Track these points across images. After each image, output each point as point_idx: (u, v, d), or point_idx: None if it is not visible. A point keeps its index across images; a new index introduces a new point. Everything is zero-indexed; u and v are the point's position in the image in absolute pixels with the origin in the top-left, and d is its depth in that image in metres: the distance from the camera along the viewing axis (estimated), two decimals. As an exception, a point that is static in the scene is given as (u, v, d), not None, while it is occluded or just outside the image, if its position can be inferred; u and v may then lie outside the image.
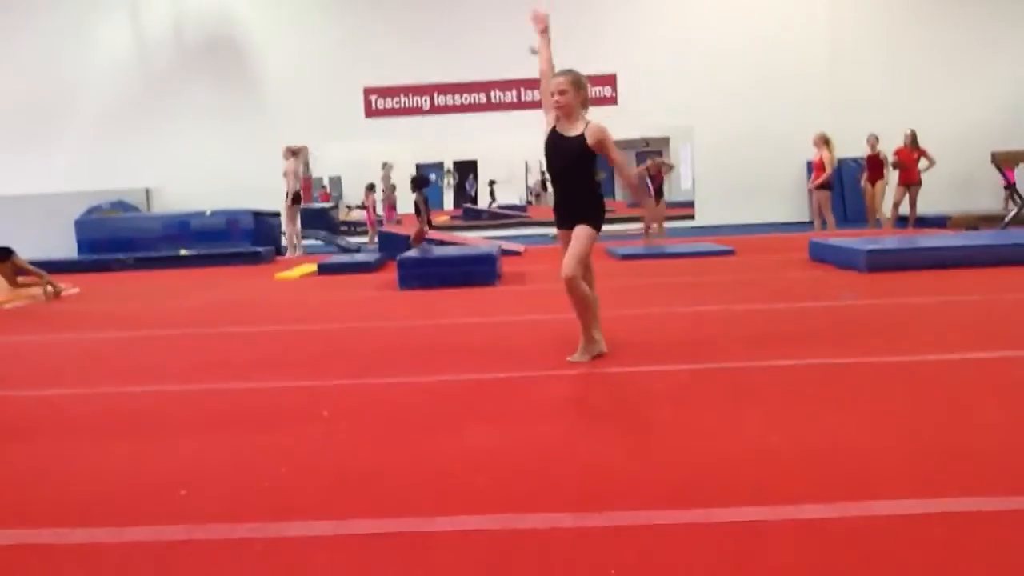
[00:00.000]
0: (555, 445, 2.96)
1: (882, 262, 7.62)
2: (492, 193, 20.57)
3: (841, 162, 16.14)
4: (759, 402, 3.43)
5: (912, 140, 13.47)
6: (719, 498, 2.35)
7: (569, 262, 4.11)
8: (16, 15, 17.31)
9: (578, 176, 4.29)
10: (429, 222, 11.66)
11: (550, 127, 4.38)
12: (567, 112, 4.25)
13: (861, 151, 15.46)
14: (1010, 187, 13.19)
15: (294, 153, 13.21)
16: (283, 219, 13.32)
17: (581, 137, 4.19)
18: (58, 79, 17.37)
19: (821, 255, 8.79)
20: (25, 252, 14.93)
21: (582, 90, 4.31)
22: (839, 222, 14.97)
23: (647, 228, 13.19)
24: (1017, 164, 13.05)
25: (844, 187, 16.28)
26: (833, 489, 2.39)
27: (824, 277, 7.72)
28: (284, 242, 14.19)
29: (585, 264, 4.23)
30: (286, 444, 3.12)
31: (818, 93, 16.88)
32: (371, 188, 16.33)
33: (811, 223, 13.11)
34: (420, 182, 12.39)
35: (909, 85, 16.66)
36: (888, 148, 13.50)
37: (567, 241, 4.26)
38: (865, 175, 13.80)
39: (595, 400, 3.62)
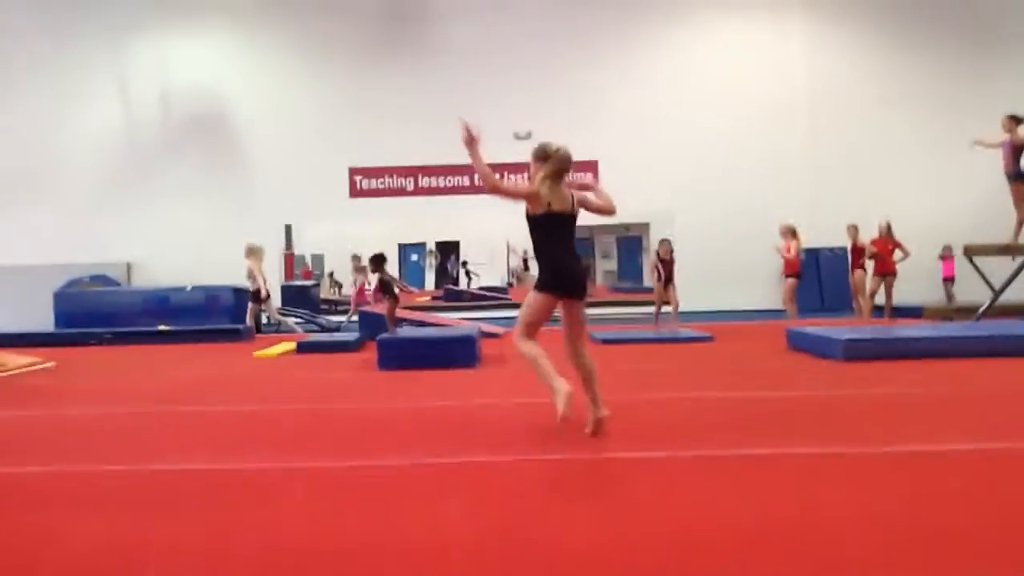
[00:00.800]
0: (531, 527, 2.94)
1: (858, 351, 7.69)
2: (468, 273, 20.72)
3: (818, 252, 16.42)
4: (737, 487, 3.43)
5: (887, 231, 13.73)
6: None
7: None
8: (4, 86, 17.51)
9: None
10: (396, 298, 11.65)
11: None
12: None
13: (839, 240, 15.77)
14: (947, 280, 14.03)
15: (252, 252, 13.07)
16: (247, 313, 13.06)
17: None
18: (43, 151, 17.51)
19: (798, 343, 8.86)
20: (3, 324, 14.89)
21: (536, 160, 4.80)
22: (817, 311, 15.15)
23: (657, 313, 13.13)
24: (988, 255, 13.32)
25: (822, 275, 16.52)
26: (808, 569, 2.39)
27: (801, 365, 7.78)
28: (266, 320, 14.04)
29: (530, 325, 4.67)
30: (260, 524, 3.09)
31: (797, 182, 17.27)
32: (362, 269, 16.13)
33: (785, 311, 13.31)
34: (380, 260, 12.39)
35: (887, 175, 17.10)
36: (865, 237, 13.74)
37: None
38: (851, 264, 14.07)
39: (571, 483, 3.61)
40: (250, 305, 13.09)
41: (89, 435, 5.18)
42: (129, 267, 17.43)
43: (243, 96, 17.74)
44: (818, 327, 9.53)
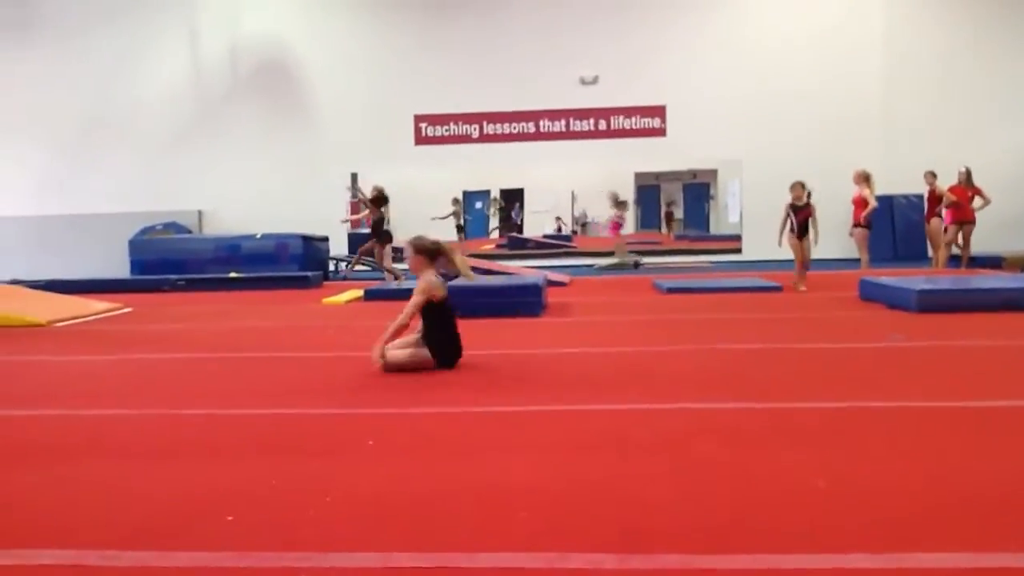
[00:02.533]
0: (597, 481, 2.94)
1: (934, 303, 7.49)
2: (585, 224, 20.71)
3: (892, 199, 15.95)
4: (805, 443, 3.38)
5: (966, 178, 13.29)
6: (765, 543, 2.32)
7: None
8: (77, 39, 17.82)
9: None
10: (389, 238, 11.56)
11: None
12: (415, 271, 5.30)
13: (915, 187, 15.28)
14: None
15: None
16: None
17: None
18: (117, 102, 17.83)
19: (871, 294, 8.66)
20: (80, 270, 15.38)
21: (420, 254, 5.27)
22: (891, 260, 14.76)
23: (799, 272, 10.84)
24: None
25: (895, 224, 16.07)
26: (882, 538, 2.35)
27: (873, 317, 7.61)
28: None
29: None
30: (331, 472, 3.14)
31: (871, 127, 16.72)
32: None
33: (859, 260, 12.95)
34: (379, 200, 12.28)
35: (965, 121, 16.44)
36: (944, 184, 13.31)
37: None
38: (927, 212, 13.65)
39: (638, 435, 3.59)
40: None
41: (164, 380, 5.33)
42: (200, 215, 17.76)
43: (310, 44, 17.77)
44: (892, 277, 9.30)
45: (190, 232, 16.87)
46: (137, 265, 15.01)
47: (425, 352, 5.15)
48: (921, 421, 3.74)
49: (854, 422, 3.74)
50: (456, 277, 5.74)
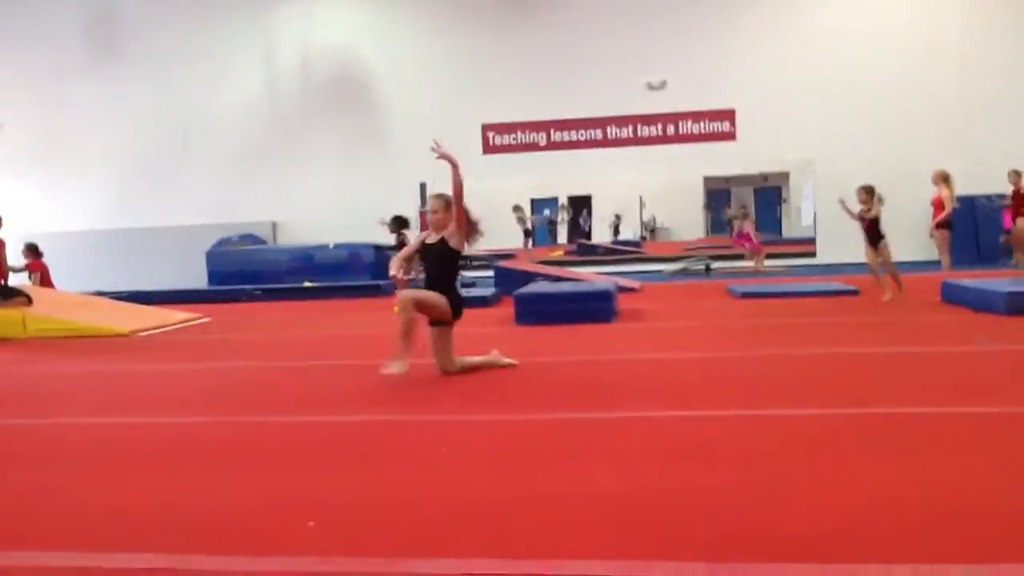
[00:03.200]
0: (681, 489, 2.89)
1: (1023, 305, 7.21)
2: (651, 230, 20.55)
3: (974, 199, 15.46)
4: (895, 451, 3.27)
5: (1051, 176, 12.82)
6: (857, 553, 2.24)
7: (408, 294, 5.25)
8: (158, 62, 18.40)
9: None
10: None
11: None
12: (440, 227, 5.41)
13: (995, 187, 14.79)
14: None
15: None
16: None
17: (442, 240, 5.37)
18: (196, 119, 18.33)
19: (954, 296, 8.39)
20: (160, 282, 15.80)
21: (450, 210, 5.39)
22: (973, 263, 14.29)
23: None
24: None
25: (978, 225, 15.56)
26: (979, 550, 2.25)
27: (959, 320, 7.36)
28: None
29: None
30: (409, 478, 3.15)
31: (949, 125, 16.22)
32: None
33: (939, 262, 12.56)
34: (400, 222, 12.49)
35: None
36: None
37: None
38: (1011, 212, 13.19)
39: (721, 443, 3.52)
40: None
41: (242, 388, 5.43)
42: (275, 226, 18.10)
43: (380, 58, 18.01)
44: (976, 279, 8.99)
45: (265, 243, 17.21)
46: (215, 276, 15.36)
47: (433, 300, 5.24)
48: (1015, 427, 3.59)
49: (942, 428, 3.61)
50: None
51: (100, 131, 18.61)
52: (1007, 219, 13.47)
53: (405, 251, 5.64)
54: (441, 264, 5.36)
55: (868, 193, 9.50)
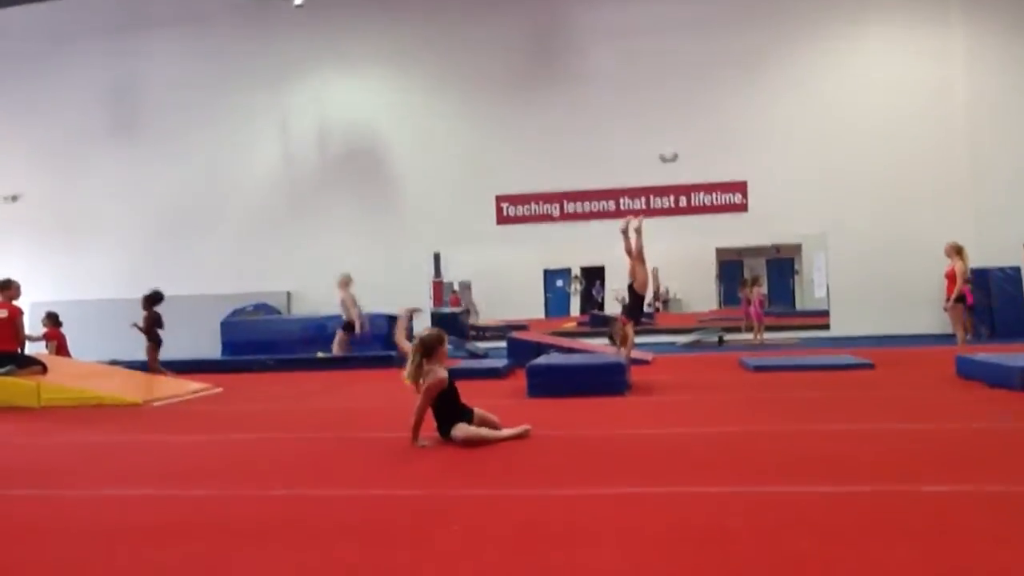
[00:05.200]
0: (692, 570, 2.84)
1: (1039, 380, 7.14)
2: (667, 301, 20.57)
3: (987, 272, 15.44)
4: (909, 533, 3.22)
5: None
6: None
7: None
8: (177, 131, 18.83)
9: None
10: (157, 343, 11.92)
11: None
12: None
13: (1010, 260, 14.78)
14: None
15: (346, 282, 13.69)
16: (336, 343, 13.74)
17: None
18: (210, 190, 18.68)
19: (969, 372, 8.32)
20: (174, 351, 15.85)
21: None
22: (989, 336, 14.20)
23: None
24: None
25: (992, 299, 15.50)
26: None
27: (974, 396, 7.29)
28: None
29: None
30: (418, 558, 3.11)
31: (959, 197, 16.30)
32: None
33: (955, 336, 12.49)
34: (152, 299, 12.52)
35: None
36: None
37: None
38: None
39: (733, 523, 3.48)
40: (340, 334, 13.50)
41: (253, 460, 5.41)
42: (289, 296, 18.24)
43: (393, 131, 18.34)
44: (991, 354, 8.93)
45: (279, 313, 17.31)
46: (229, 346, 15.43)
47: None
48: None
49: (961, 509, 3.55)
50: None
51: (118, 201, 18.98)
52: None
53: (429, 400, 5.60)
54: (457, 393, 5.68)
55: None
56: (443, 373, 5.52)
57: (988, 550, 2.98)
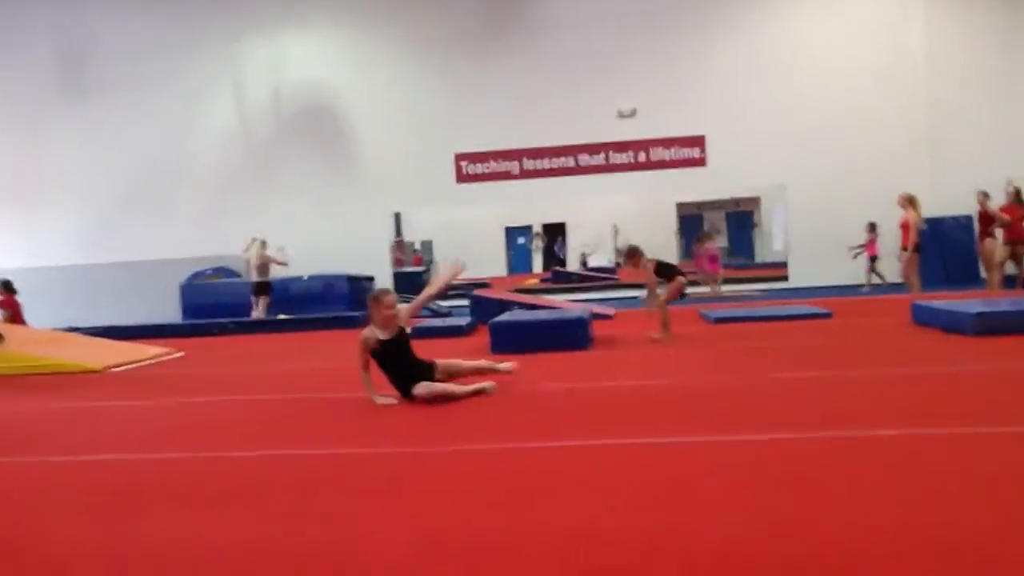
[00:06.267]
0: (655, 518, 2.89)
1: (992, 325, 7.32)
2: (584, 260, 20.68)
3: (942, 221, 15.71)
4: (867, 476, 3.30)
5: (1015, 196, 13.04)
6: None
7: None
8: (133, 94, 18.41)
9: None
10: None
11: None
12: (391, 323, 5.48)
13: (963, 208, 15.04)
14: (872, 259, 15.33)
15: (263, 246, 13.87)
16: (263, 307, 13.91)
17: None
18: (170, 153, 18.35)
19: (925, 318, 8.50)
20: (134, 316, 15.67)
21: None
22: (942, 284, 14.49)
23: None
24: None
25: (944, 247, 15.79)
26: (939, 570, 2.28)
27: (930, 341, 7.46)
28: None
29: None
30: (384, 513, 3.13)
31: (917, 149, 16.53)
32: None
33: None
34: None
35: (1013, 137, 16.15)
36: (995, 204, 13.07)
37: None
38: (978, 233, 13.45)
39: (694, 472, 3.53)
40: (265, 300, 13.61)
41: (216, 423, 5.38)
42: (249, 259, 18.04)
43: (352, 89, 18.10)
44: (946, 300, 9.12)
45: (239, 276, 17.12)
46: (188, 310, 15.27)
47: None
48: (990, 448, 3.64)
49: (922, 452, 3.64)
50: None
51: (71, 164, 18.58)
52: None
53: (361, 361, 5.54)
54: (410, 353, 5.56)
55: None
56: (371, 332, 5.48)
57: (946, 487, 3.06)
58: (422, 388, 5.37)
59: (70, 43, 18.67)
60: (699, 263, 16.78)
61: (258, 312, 13.82)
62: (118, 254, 17.88)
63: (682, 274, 8.69)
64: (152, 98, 18.40)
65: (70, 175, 18.59)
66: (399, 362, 5.52)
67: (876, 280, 15.75)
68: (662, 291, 8.70)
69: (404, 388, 5.47)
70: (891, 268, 14.74)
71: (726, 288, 16.60)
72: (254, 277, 14.17)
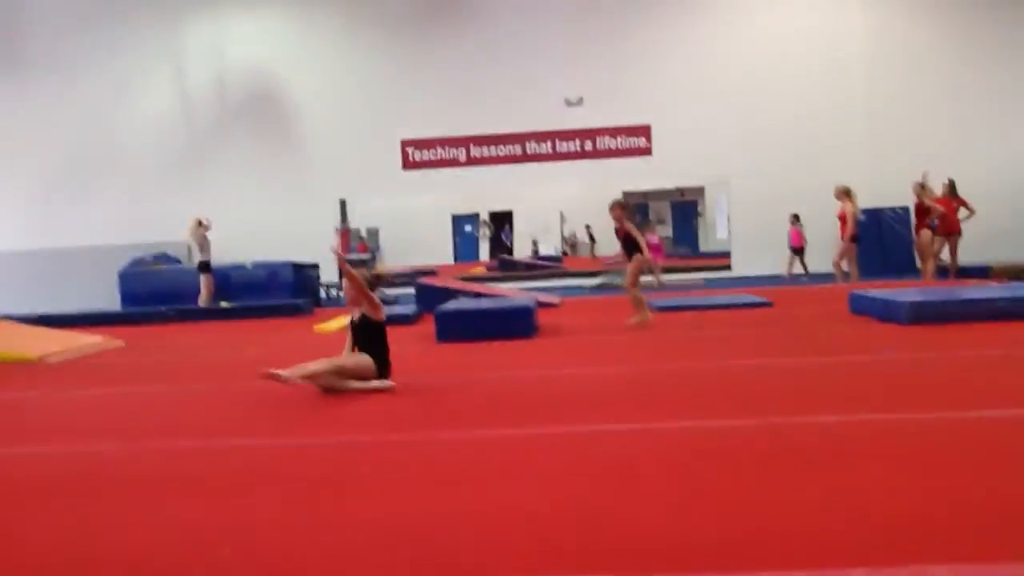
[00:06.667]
0: (597, 505, 2.93)
1: (925, 314, 7.52)
2: (591, 236, 20.73)
3: (879, 212, 16.06)
4: (804, 461, 3.38)
5: (950, 189, 13.38)
6: (766, 562, 2.31)
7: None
8: (64, 74, 17.89)
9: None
10: None
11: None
12: (356, 303, 5.56)
13: (901, 200, 15.39)
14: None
15: (200, 224, 13.67)
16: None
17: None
18: (106, 134, 17.88)
19: (862, 307, 8.69)
20: (71, 304, 15.31)
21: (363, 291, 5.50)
22: (881, 274, 14.82)
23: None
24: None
25: (884, 237, 16.15)
26: (884, 553, 2.34)
27: (866, 330, 7.64)
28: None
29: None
30: (327, 503, 3.12)
31: (856, 140, 16.85)
32: None
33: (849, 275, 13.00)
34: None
35: (951, 131, 16.56)
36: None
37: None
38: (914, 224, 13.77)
39: (638, 458, 3.58)
40: (206, 278, 13.43)
41: (156, 412, 5.30)
42: (190, 245, 17.73)
43: (296, 73, 17.86)
44: (882, 290, 9.34)
45: (180, 263, 16.82)
46: (128, 297, 14.95)
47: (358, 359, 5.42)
48: (918, 434, 3.74)
49: (852, 437, 3.74)
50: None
51: (5, 147, 17.99)
52: None
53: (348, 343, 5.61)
54: (370, 336, 5.48)
55: (621, 208, 9.02)
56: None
57: (872, 469, 3.15)
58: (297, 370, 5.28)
59: (0, 17, 18.10)
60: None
61: (202, 293, 13.53)
62: (54, 240, 17.40)
63: (640, 251, 8.71)
64: (87, 76, 17.88)
65: (1, 158, 18.05)
66: (362, 342, 5.51)
67: (798, 270, 16.09)
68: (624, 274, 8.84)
69: (386, 365, 5.50)
70: (824, 259, 15.03)
71: (671, 277, 16.77)
72: (196, 257, 13.91)
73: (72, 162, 17.86)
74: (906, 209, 15.64)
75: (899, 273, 14.94)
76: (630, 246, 8.74)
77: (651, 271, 16.34)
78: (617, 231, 8.94)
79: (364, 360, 5.38)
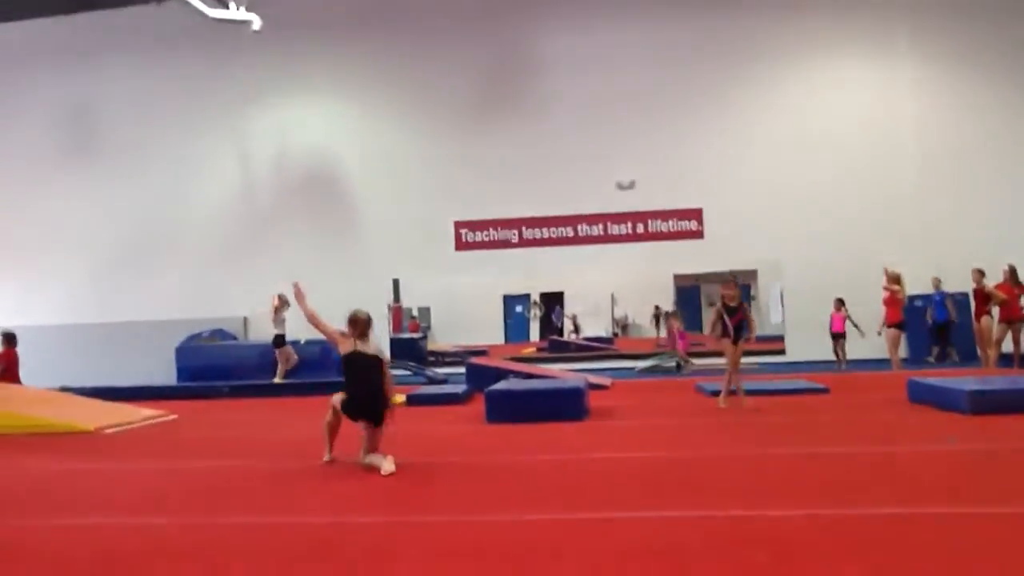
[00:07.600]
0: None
1: (987, 404, 7.30)
2: (575, 325, 20.64)
3: (932, 298, 15.77)
4: (862, 553, 3.27)
5: (1011, 274, 13.12)
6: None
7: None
8: (132, 157, 18.61)
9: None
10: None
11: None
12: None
13: (958, 285, 15.10)
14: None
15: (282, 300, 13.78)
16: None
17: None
18: (170, 213, 18.44)
19: (921, 395, 8.48)
20: (131, 376, 15.61)
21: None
22: (923, 359, 14.48)
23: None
24: None
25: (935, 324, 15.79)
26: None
27: (925, 419, 7.44)
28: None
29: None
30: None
31: (908, 226, 16.64)
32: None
33: (906, 361, 12.73)
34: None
35: (1005, 218, 16.29)
36: (990, 282, 13.14)
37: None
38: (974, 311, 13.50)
39: (687, 545, 3.51)
40: (282, 354, 13.49)
41: (204, 488, 5.33)
42: (246, 321, 18.03)
43: (353, 157, 18.30)
44: (941, 378, 9.11)
45: (236, 339, 17.08)
46: (184, 372, 15.20)
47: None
48: (983, 527, 3.61)
49: (913, 530, 3.62)
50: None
51: (73, 226, 18.67)
52: None
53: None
54: (379, 372, 5.79)
55: (736, 286, 9.25)
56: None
57: (944, 570, 3.03)
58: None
59: (77, 106, 18.93)
60: (670, 339, 16.91)
61: (279, 368, 13.65)
62: (114, 314, 17.85)
63: (730, 336, 8.81)
64: (155, 161, 18.58)
65: (71, 235, 18.68)
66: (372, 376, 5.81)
67: (833, 357, 15.71)
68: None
69: (348, 404, 5.83)
70: (871, 345, 14.71)
71: (717, 361, 16.54)
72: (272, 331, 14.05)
73: (138, 239, 18.42)
74: (963, 295, 15.33)
75: (963, 360, 14.56)
76: (739, 327, 8.77)
77: (686, 361, 16.24)
78: (727, 310, 8.89)
79: (336, 398, 5.81)
